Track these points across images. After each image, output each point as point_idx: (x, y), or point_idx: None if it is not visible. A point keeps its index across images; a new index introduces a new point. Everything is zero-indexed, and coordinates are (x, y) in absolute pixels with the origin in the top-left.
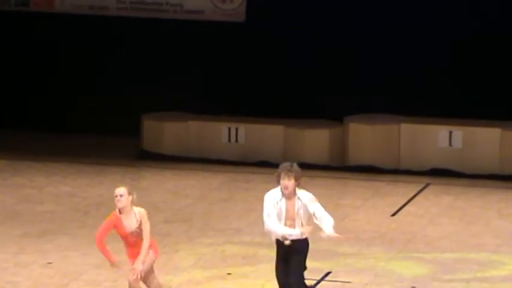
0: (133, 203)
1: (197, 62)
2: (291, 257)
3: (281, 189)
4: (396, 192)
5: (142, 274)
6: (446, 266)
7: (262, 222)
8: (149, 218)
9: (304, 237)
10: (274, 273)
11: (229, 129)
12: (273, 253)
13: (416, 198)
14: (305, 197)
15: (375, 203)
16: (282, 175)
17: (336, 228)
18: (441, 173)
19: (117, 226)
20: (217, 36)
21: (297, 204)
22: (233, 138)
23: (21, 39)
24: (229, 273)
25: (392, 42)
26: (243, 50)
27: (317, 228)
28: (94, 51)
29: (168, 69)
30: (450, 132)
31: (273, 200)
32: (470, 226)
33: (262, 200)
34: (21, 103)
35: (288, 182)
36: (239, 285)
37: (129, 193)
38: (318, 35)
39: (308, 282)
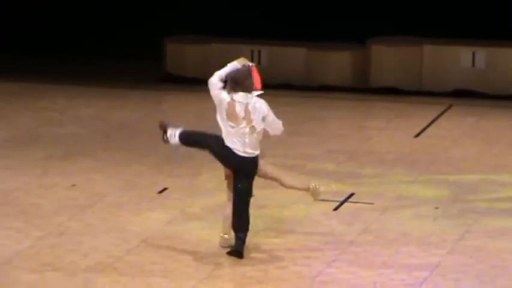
0: None
1: None
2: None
3: None
4: (419, 113)
5: None
6: (469, 187)
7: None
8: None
9: None
10: (291, 194)
11: (252, 51)
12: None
13: (439, 119)
14: None
15: (397, 124)
16: None
17: (359, 150)
18: (464, 94)
19: None
20: None
21: None
22: (255, 61)
23: None
24: (252, 195)
25: None
26: None
27: None
28: None
29: None
30: (473, 53)
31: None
32: (493, 147)
33: (284, 122)
34: (40, 27)
35: None
36: (262, 207)
37: None
38: None
39: (332, 204)
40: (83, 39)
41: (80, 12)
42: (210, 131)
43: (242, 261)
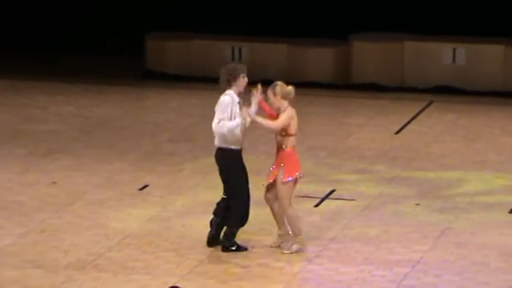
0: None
1: None
2: None
3: (240, 89)
4: (400, 110)
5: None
6: (450, 183)
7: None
8: (153, 137)
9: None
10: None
11: (233, 48)
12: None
13: (420, 115)
14: None
15: (378, 121)
16: (242, 75)
17: (340, 146)
18: (445, 90)
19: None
20: None
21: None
22: (236, 57)
23: None
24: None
25: None
26: None
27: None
28: None
29: None
30: (454, 49)
31: (234, 101)
32: (474, 143)
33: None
34: (21, 23)
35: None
36: None
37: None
38: None
39: (313, 201)
40: (63, 35)
41: (59, 9)
42: (191, 127)
43: (224, 257)
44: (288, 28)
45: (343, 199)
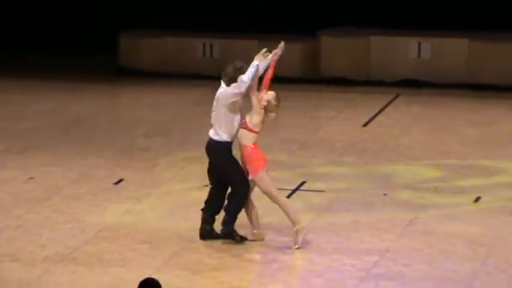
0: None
1: None
2: None
3: None
4: (368, 103)
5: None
6: (417, 173)
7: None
8: (128, 133)
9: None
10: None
11: (204, 44)
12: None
13: (387, 108)
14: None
15: (347, 114)
16: None
17: (311, 139)
18: (411, 83)
19: None
20: None
21: None
22: (208, 54)
23: None
24: (206, 185)
25: None
26: None
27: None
28: None
29: None
30: (419, 44)
31: None
32: (440, 135)
33: None
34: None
35: None
36: None
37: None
38: None
39: (284, 192)
40: (37, 34)
41: (34, 7)
42: (166, 123)
43: (198, 249)
44: (258, 24)
45: (314, 190)
